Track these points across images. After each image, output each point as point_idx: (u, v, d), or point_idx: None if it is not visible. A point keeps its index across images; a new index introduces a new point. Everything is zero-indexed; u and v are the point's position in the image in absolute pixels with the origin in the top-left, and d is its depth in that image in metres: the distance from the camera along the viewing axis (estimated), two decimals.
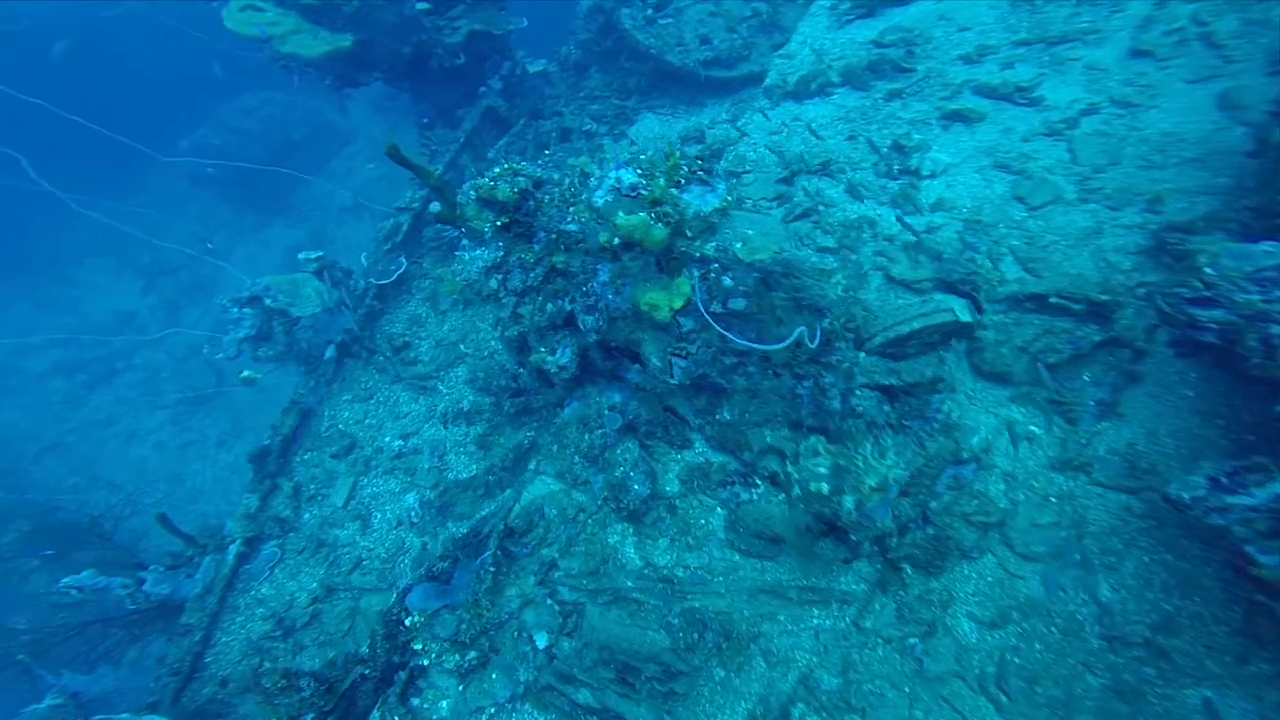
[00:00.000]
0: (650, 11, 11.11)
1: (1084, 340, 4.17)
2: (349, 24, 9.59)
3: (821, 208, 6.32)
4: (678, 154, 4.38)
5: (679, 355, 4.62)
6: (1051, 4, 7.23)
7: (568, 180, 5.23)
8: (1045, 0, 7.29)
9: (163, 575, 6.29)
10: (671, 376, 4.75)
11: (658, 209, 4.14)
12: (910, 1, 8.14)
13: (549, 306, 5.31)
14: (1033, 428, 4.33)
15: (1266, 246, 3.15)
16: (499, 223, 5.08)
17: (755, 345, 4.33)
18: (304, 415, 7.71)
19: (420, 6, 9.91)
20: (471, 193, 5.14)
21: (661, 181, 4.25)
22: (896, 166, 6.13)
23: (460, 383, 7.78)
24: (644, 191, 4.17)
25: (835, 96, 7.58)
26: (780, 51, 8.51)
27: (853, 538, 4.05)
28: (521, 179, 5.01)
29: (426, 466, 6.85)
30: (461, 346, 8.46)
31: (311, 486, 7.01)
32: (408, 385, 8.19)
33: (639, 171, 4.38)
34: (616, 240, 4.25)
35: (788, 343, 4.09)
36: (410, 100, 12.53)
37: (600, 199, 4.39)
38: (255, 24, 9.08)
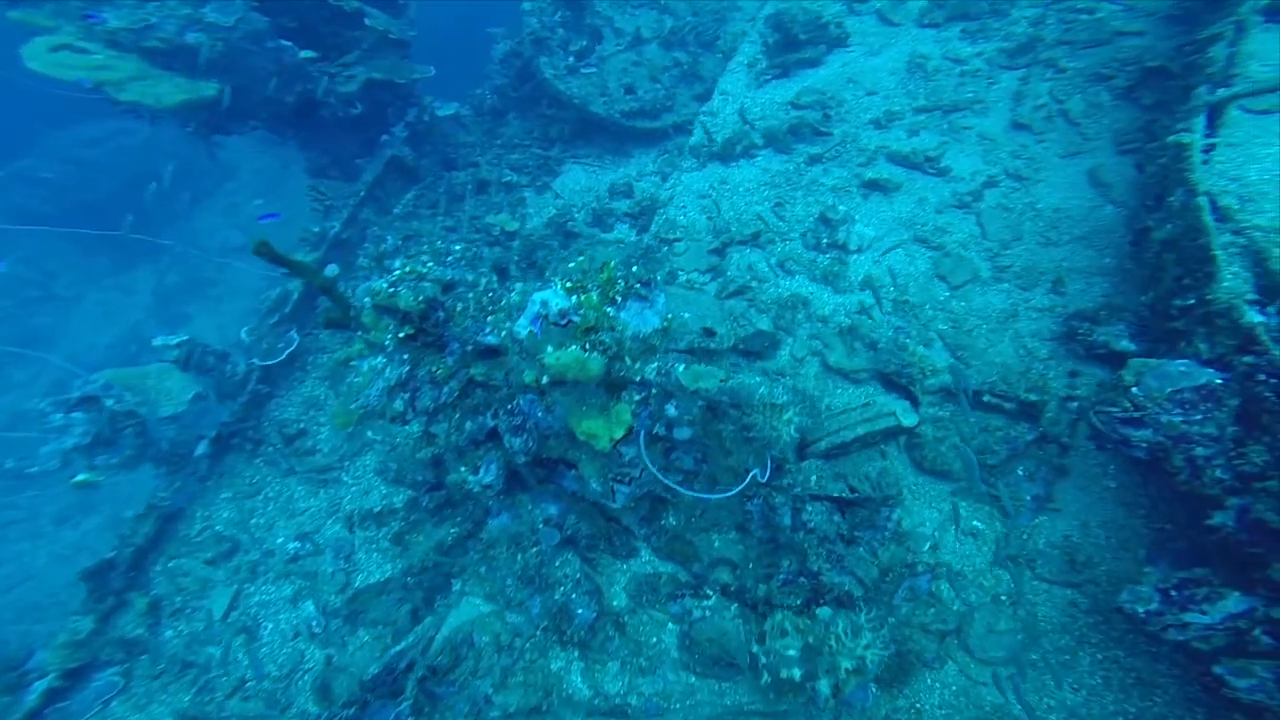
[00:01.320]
0: (572, 60, 10.88)
1: (1018, 440, 4.29)
2: (213, 70, 8.62)
3: (755, 284, 6.27)
4: (613, 266, 4.11)
5: (621, 481, 4.33)
6: (940, 74, 7.63)
7: (483, 281, 4.82)
8: (935, 70, 7.68)
9: None
10: (614, 501, 4.45)
11: (592, 337, 3.84)
12: (820, 64, 8.36)
13: (468, 425, 4.83)
14: (976, 523, 4.40)
15: (1181, 366, 3.31)
16: (402, 335, 4.57)
17: (705, 496, 4.12)
18: (166, 519, 6.74)
19: (304, 55, 9.14)
20: (367, 300, 4.57)
21: (595, 297, 3.95)
22: (825, 240, 6.19)
23: (368, 473, 7.06)
24: (576, 318, 3.86)
25: (759, 159, 7.61)
26: (704, 108, 8.51)
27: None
28: (427, 284, 4.49)
29: (330, 570, 6.05)
30: (369, 433, 7.66)
31: (177, 599, 6.06)
32: (304, 478, 7.33)
33: (568, 287, 4.05)
34: (545, 379, 3.91)
35: (739, 489, 3.90)
36: (298, 146, 11.59)
37: (524, 329, 4.03)
38: (75, 67, 7.64)
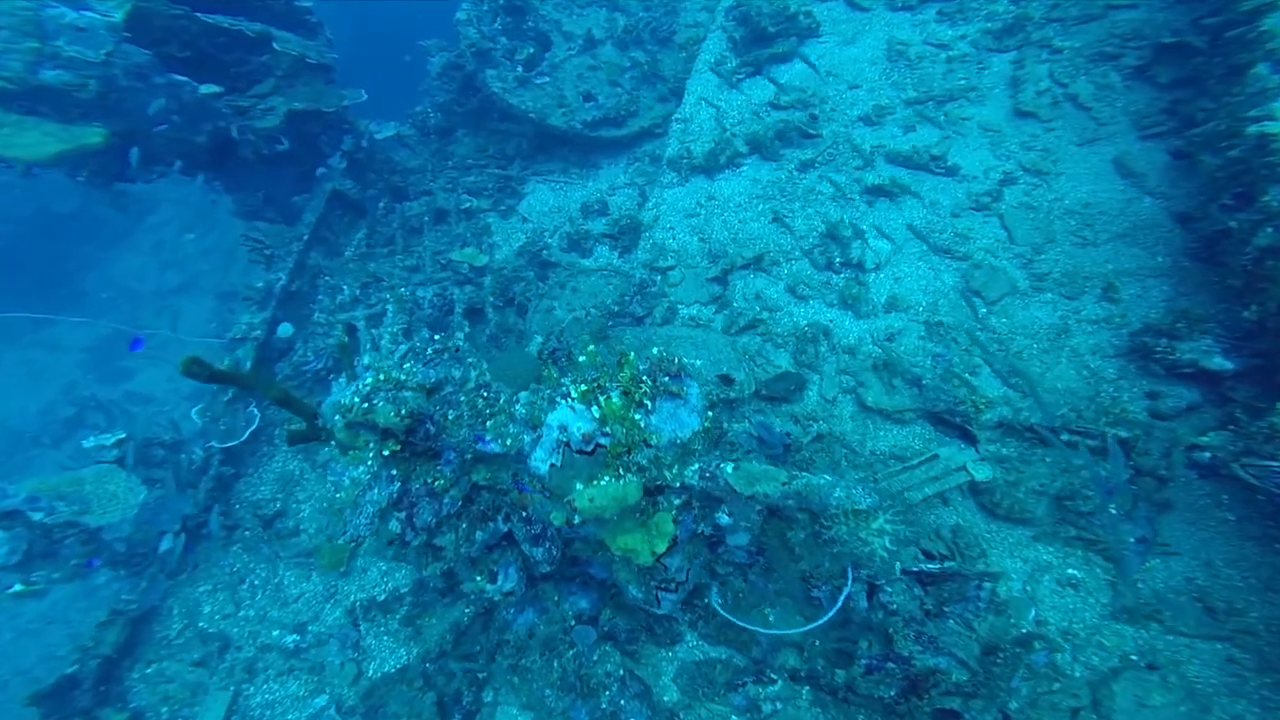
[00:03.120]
0: (520, 70, 9.93)
1: (1113, 481, 3.77)
2: (96, 112, 7.36)
3: (766, 314, 5.63)
4: (633, 360, 3.37)
5: (667, 589, 3.65)
6: (924, 61, 7.07)
7: (473, 375, 3.99)
8: (918, 57, 7.13)
9: None
10: (659, 608, 3.77)
11: (624, 459, 3.12)
12: (793, 58, 7.71)
13: (478, 534, 4.06)
14: (1072, 571, 3.84)
15: None
16: (387, 452, 3.74)
17: (782, 632, 3.46)
18: (136, 623, 5.83)
19: (206, 90, 7.95)
20: (337, 418, 3.72)
21: (618, 403, 3.19)
22: (838, 259, 5.58)
23: (363, 552, 6.28)
24: (604, 441, 3.13)
25: (746, 168, 6.93)
26: (676, 115, 7.75)
27: None
28: (408, 394, 3.65)
29: (338, 661, 5.35)
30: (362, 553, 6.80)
31: (164, 710, 5.23)
32: (291, 563, 6.51)
33: (583, 391, 3.28)
34: (578, 519, 3.17)
35: (829, 616, 3.24)
36: (225, 186, 10.31)
37: (543, 463, 3.25)
38: None
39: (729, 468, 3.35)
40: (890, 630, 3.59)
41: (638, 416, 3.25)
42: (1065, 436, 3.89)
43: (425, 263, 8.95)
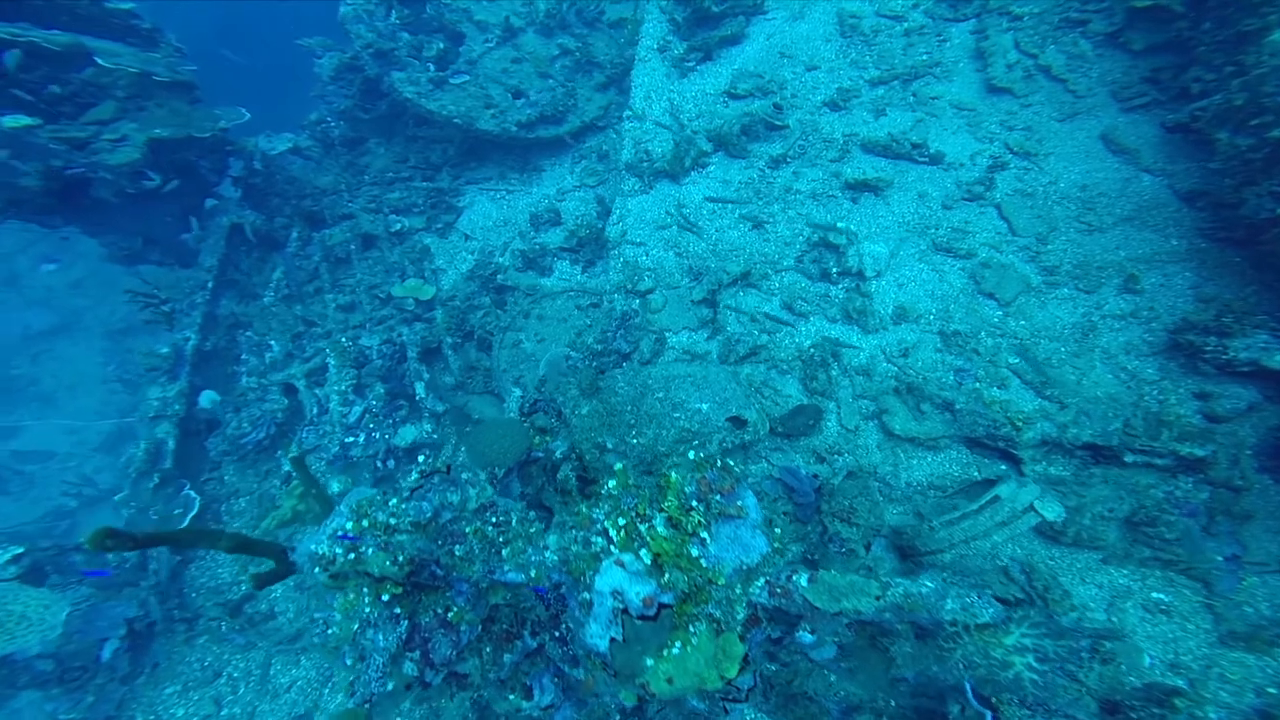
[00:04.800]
0: (433, 70, 8.58)
1: (1191, 502, 3.46)
2: None
3: (764, 337, 5.02)
4: (676, 482, 2.65)
5: (736, 699, 3.08)
6: (881, 35, 6.47)
7: (473, 494, 3.16)
8: (873, 31, 6.53)
9: None
10: (725, 715, 3.20)
11: (691, 608, 2.45)
12: (744, 39, 6.91)
13: (505, 657, 3.34)
14: (1157, 595, 3.49)
15: None
16: (386, 598, 2.94)
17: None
18: None
19: (10, 123, 6.26)
20: (319, 572, 2.86)
21: (667, 540, 2.46)
22: (835, 268, 5.00)
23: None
24: (667, 599, 2.42)
25: (713, 169, 6.17)
26: (626, 112, 6.82)
27: None
28: (403, 537, 2.83)
29: None
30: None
31: None
32: (273, 649, 5.64)
33: (622, 535, 2.56)
34: (655, 706, 2.49)
35: None
36: (87, 230, 8.45)
37: (602, 639, 2.50)
38: None
39: (803, 579, 2.75)
40: (995, 699, 3.18)
41: (695, 551, 2.58)
42: (1131, 458, 3.57)
43: (361, 299, 7.72)
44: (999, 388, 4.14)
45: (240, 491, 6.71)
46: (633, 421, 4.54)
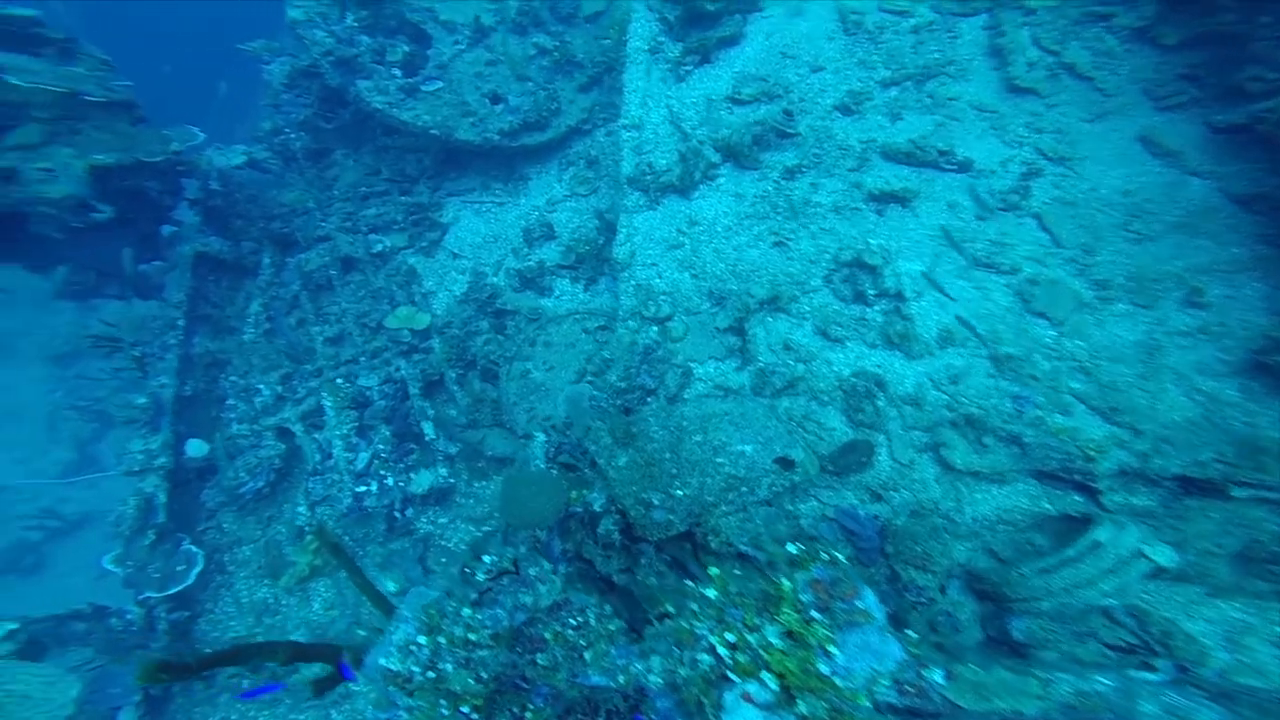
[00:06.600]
0: (399, 74, 7.60)
1: None
2: None
3: (800, 367, 4.50)
4: (790, 590, 2.12)
5: None
6: (887, 32, 5.91)
7: (543, 589, 2.61)
8: (878, 28, 5.95)
9: None
10: None
11: None
12: (742, 39, 6.24)
13: None
14: None
15: None
16: (467, 708, 2.41)
17: None
18: None
19: None
20: (393, 689, 2.30)
21: (790, 657, 1.97)
22: (870, 290, 4.49)
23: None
24: None
25: (723, 182, 5.55)
26: (622, 121, 6.10)
27: None
28: (484, 653, 2.29)
29: None
30: (360, 631, 5.47)
31: None
32: (302, 703, 5.14)
33: (738, 655, 2.04)
34: None
35: None
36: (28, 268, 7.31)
37: None
38: None
39: (938, 675, 2.30)
40: None
41: (824, 668, 2.08)
42: (1240, 492, 3.21)
43: (350, 328, 6.88)
44: (1062, 414, 3.74)
45: (243, 540, 6.04)
46: (674, 471, 4.00)
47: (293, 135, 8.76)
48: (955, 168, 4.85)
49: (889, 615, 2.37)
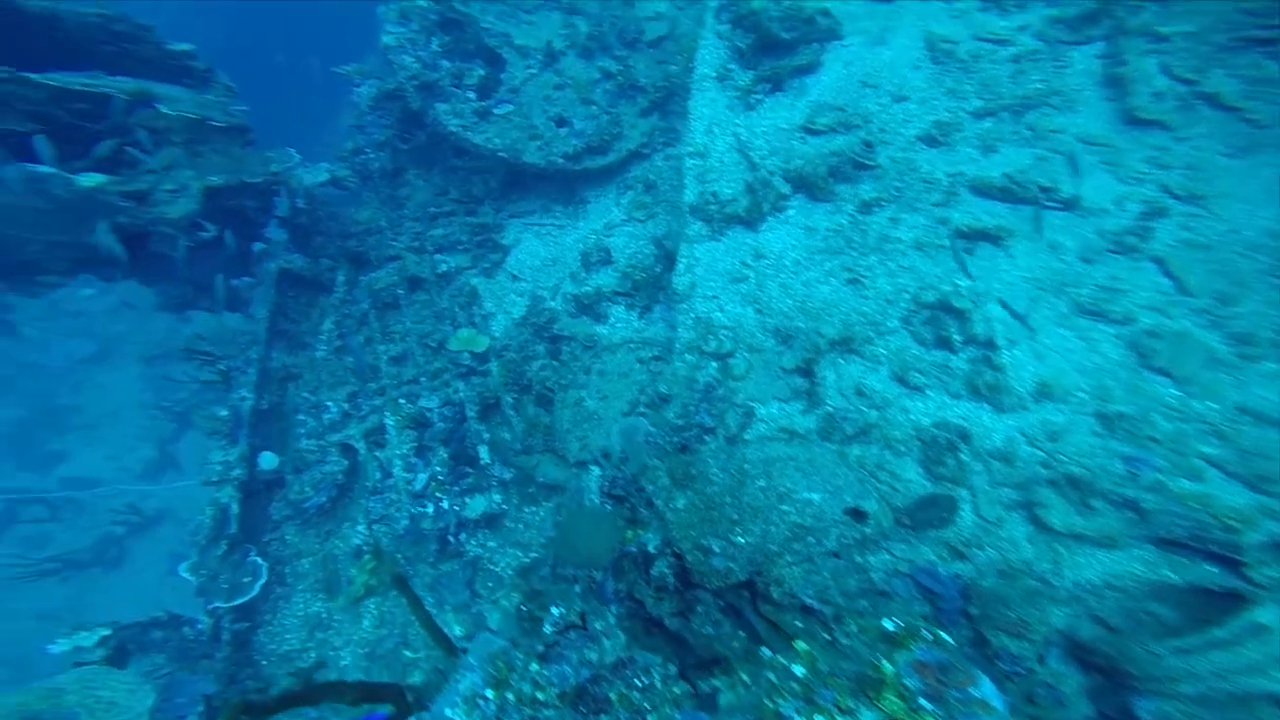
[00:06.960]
0: (474, 97, 7.81)
1: None
2: None
3: (873, 413, 4.16)
4: (893, 676, 1.87)
5: None
6: (981, 61, 5.52)
7: (608, 645, 2.44)
8: (972, 56, 5.57)
9: None
10: None
11: None
12: (818, 68, 6.01)
13: None
14: None
15: None
16: None
17: None
18: None
19: (87, 183, 5.55)
20: None
21: None
22: (957, 336, 4.11)
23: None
24: None
25: (792, 213, 5.30)
26: (687, 149, 5.96)
27: None
28: (551, 713, 2.15)
29: None
30: (406, 653, 5.43)
31: None
32: None
33: None
34: None
35: None
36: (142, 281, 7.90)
37: None
38: None
39: None
40: None
41: None
42: None
43: (413, 348, 7.01)
44: (1190, 480, 3.23)
45: (303, 553, 6.16)
46: (735, 517, 3.74)
47: (372, 155, 9.15)
48: (1059, 205, 4.39)
49: (1009, 706, 2.02)
